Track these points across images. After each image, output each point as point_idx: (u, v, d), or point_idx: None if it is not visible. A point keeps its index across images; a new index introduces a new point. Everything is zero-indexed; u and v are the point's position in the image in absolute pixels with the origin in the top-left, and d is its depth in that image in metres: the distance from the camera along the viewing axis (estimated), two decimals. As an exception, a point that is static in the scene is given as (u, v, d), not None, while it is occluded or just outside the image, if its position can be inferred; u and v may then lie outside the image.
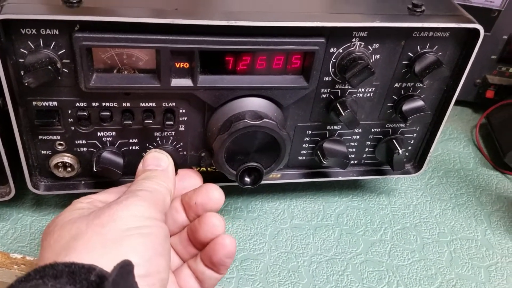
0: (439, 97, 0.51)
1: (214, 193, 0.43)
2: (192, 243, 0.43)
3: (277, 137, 0.45)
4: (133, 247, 0.33)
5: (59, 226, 0.36)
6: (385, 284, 0.51)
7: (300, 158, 0.54)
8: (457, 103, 0.80)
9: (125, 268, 0.29)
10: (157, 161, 0.42)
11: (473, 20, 0.45)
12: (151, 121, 0.45)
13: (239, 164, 0.46)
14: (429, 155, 0.55)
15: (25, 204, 0.53)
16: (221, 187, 0.57)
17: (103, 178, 0.48)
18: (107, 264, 0.30)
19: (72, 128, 0.45)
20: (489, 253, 0.56)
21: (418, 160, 0.57)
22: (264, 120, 0.44)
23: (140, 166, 0.43)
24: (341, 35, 0.44)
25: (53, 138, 0.45)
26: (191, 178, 0.47)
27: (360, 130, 0.53)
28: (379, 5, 0.47)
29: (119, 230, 0.34)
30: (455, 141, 0.73)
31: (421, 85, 0.49)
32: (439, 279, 0.52)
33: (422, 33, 0.45)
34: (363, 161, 0.56)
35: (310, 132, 0.51)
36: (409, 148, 0.56)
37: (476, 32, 0.45)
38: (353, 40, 0.44)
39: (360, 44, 0.45)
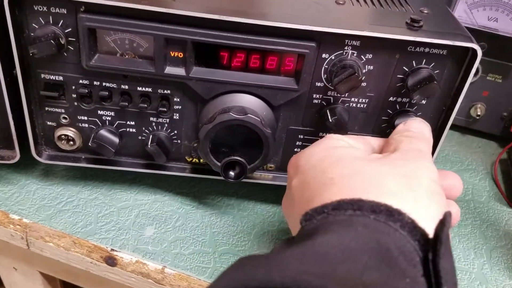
0: (438, 117, 0.50)
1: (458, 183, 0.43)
2: None
3: (261, 134, 0.46)
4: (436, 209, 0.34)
5: (332, 161, 0.37)
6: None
7: (291, 161, 0.54)
8: (483, 135, 0.77)
9: (447, 219, 0.30)
10: (423, 128, 0.43)
11: (472, 39, 0.45)
12: (146, 105, 0.48)
13: (224, 156, 0.48)
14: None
15: (34, 173, 0.58)
16: (213, 180, 0.59)
17: (101, 155, 0.52)
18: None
19: (75, 103, 0.49)
20: (481, 287, 0.53)
21: (416, 181, 0.56)
22: (248, 115, 0.45)
23: (402, 125, 0.44)
24: (333, 42, 0.45)
25: (58, 111, 0.49)
26: (451, 179, 0.43)
27: (354, 142, 0.53)
28: (379, 17, 0.47)
29: (424, 190, 0.35)
30: (472, 172, 0.70)
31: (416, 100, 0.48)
32: (419, 304, 0.50)
33: (418, 48, 0.45)
34: (357, 174, 0.56)
35: (302, 136, 0.52)
36: (407, 167, 0.55)
37: (474, 52, 0.45)
38: (346, 48, 0.45)
39: (353, 53, 0.45)
